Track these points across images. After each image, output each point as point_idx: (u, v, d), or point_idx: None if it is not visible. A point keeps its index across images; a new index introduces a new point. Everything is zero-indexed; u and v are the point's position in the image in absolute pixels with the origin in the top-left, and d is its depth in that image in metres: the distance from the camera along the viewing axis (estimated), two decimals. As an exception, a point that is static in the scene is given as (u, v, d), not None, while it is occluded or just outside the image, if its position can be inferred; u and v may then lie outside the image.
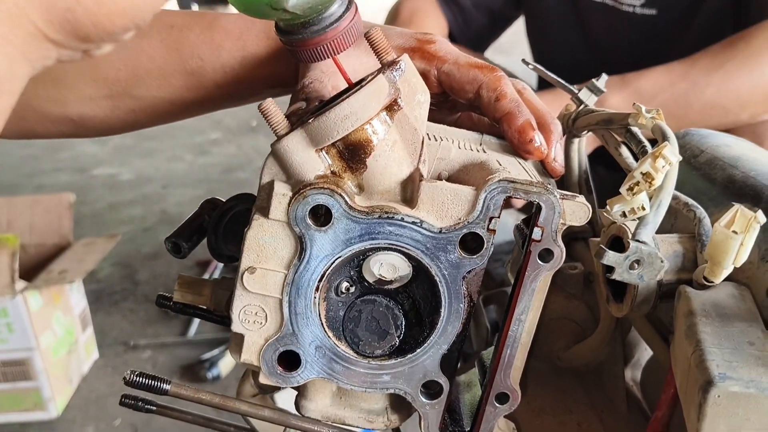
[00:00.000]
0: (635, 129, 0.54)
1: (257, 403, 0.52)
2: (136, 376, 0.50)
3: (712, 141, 0.62)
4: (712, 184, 0.57)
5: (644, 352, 0.67)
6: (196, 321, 2.24)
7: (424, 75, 0.57)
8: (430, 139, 0.51)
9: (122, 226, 2.91)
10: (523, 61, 0.66)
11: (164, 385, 0.50)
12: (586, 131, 0.61)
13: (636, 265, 0.44)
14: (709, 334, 0.42)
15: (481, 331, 0.73)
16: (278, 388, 0.56)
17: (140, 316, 2.28)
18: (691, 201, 0.52)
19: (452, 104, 0.59)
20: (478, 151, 0.52)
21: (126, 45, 0.65)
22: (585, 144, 0.64)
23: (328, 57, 0.47)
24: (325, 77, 0.56)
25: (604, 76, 0.62)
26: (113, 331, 2.20)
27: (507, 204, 1.11)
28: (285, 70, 0.64)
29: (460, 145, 0.52)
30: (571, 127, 0.62)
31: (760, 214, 0.41)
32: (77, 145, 4.18)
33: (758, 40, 1.10)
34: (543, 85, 1.65)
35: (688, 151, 0.62)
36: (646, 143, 0.53)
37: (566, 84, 0.62)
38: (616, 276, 0.44)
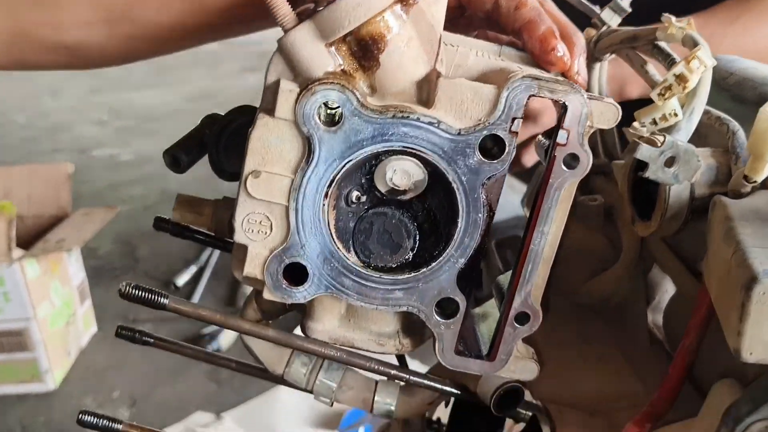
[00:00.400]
0: (662, 44, 0.51)
1: (259, 324, 0.49)
2: (132, 288, 0.47)
3: (740, 64, 0.59)
4: (743, 103, 0.54)
5: (665, 295, 0.64)
6: (197, 295, 2.21)
7: None
8: (446, 45, 0.48)
9: (123, 205, 2.88)
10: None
11: (162, 299, 0.47)
12: (609, 53, 0.58)
13: (671, 163, 0.41)
14: (749, 235, 0.39)
15: (494, 274, 0.70)
16: (282, 312, 0.53)
17: (140, 291, 2.26)
18: (723, 114, 0.49)
19: (468, 20, 0.56)
20: (497, 59, 0.49)
21: None
22: (606, 71, 0.61)
23: None
24: None
25: (625, -5, 0.59)
26: (113, 306, 2.17)
27: (516, 163, 1.08)
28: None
29: (478, 53, 0.49)
30: (593, 49, 0.59)
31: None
32: (76, 126, 4.16)
33: None
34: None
35: (717, 74, 0.58)
36: (675, 56, 0.50)
37: (588, 3, 0.59)
38: (649, 173, 0.41)
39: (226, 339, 1.92)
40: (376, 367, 0.50)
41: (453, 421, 0.68)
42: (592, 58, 0.60)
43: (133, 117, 4.29)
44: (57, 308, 1.85)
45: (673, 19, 0.49)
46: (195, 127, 0.55)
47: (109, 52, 0.67)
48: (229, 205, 0.52)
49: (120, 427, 0.50)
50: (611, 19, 0.58)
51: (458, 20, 0.56)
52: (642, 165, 0.42)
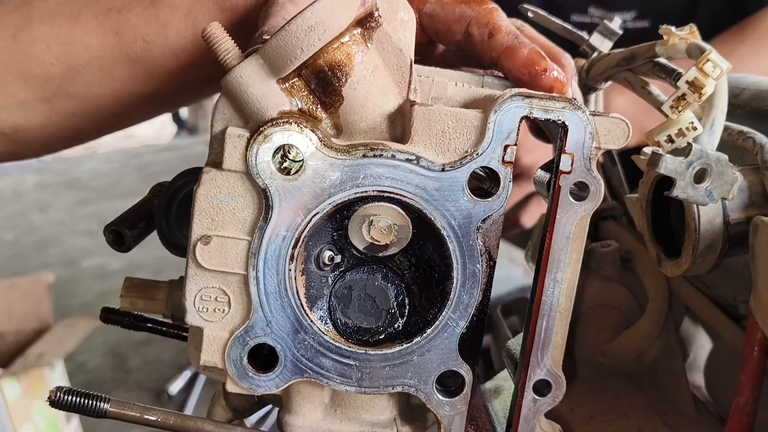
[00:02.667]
0: (663, 60, 0.45)
1: (226, 424, 0.41)
2: (63, 394, 0.39)
3: (750, 79, 0.53)
4: (763, 116, 0.47)
5: (701, 350, 0.57)
6: (191, 403, 2.09)
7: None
8: (420, 78, 0.42)
9: (112, 315, 2.79)
10: (521, 7, 0.57)
11: (101, 403, 0.39)
12: (604, 80, 0.51)
13: (701, 178, 0.34)
14: None
15: (502, 344, 0.61)
16: (256, 407, 0.44)
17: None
18: (745, 128, 0.42)
19: (441, 57, 0.50)
20: (478, 86, 0.43)
21: (59, 34, 0.56)
22: (602, 100, 0.55)
23: None
24: None
25: (617, 19, 0.53)
26: (104, 423, 2.04)
27: (513, 223, 1.01)
28: (247, 45, 0.55)
29: (458, 83, 0.42)
30: (586, 78, 0.53)
31: None
32: (65, 239, 4.13)
33: (767, 24, 1.04)
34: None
35: (729, 92, 0.52)
36: (680, 70, 0.43)
37: (575, 30, 0.53)
38: (677, 192, 0.34)
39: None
40: None
41: None
42: (586, 88, 0.54)
43: (122, 225, 4.28)
44: (41, 430, 1.73)
45: (674, 28, 0.44)
46: (142, 198, 0.48)
47: (50, 134, 0.60)
48: (180, 285, 0.45)
49: (107, 406, 0.40)
50: (602, 44, 0.53)
51: (430, 58, 0.50)
52: (666, 185, 0.35)
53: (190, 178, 0.45)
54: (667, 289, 0.48)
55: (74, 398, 0.39)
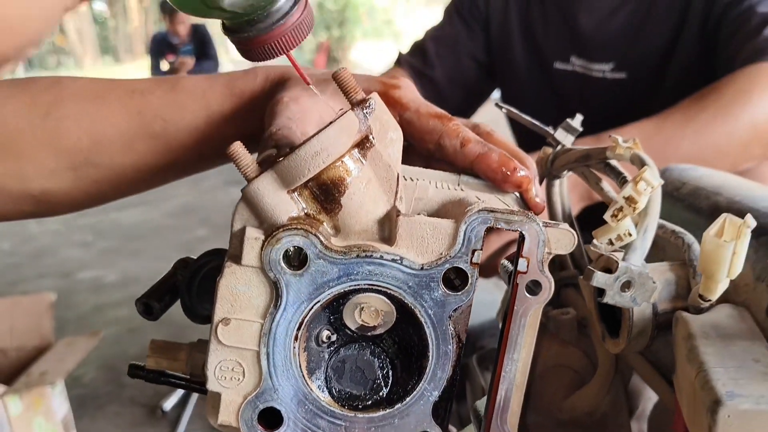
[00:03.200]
0: (613, 162, 0.54)
1: None
2: None
3: (692, 173, 0.61)
4: (698, 213, 0.56)
5: (648, 402, 0.64)
6: (184, 422, 2.15)
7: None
8: (406, 179, 0.50)
9: (108, 328, 2.84)
10: (497, 104, 0.66)
11: None
12: (566, 170, 0.60)
13: (627, 287, 0.42)
14: (711, 354, 0.39)
15: (476, 390, 0.69)
16: None
17: (127, 420, 2.19)
18: (678, 228, 0.51)
19: (425, 154, 0.58)
20: (456, 189, 0.51)
21: (87, 113, 0.64)
22: (566, 185, 0.63)
23: (280, 54, 0.47)
24: (293, 123, 0.55)
25: (579, 117, 0.61)
26: (99, 437, 2.11)
27: (492, 269, 1.09)
28: (253, 125, 0.63)
29: (437, 185, 0.50)
30: (551, 168, 0.61)
31: (749, 218, 0.39)
32: (61, 250, 4.16)
33: (729, 90, 1.12)
34: (515, 126, 1.66)
35: (670, 185, 0.61)
36: (626, 174, 0.52)
37: (542, 125, 0.62)
38: (607, 299, 0.42)
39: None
40: None
41: None
42: (551, 176, 0.62)
43: (117, 237, 4.30)
44: (40, 444, 1.79)
45: (620, 139, 0.52)
46: (167, 272, 0.56)
47: (75, 198, 0.68)
48: (202, 347, 0.52)
49: None
50: (565, 138, 0.61)
51: (412, 153, 0.58)
52: (601, 290, 0.43)
53: (211, 258, 0.52)
54: (614, 356, 0.56)
55: None
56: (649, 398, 0.64)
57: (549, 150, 0.63)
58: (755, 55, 1.17)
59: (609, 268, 0.47)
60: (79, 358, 1.77)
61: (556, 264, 0.66)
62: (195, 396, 2.25)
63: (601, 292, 0.43)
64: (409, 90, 0.58)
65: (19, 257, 4.10)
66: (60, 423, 1.89)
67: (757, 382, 0.37)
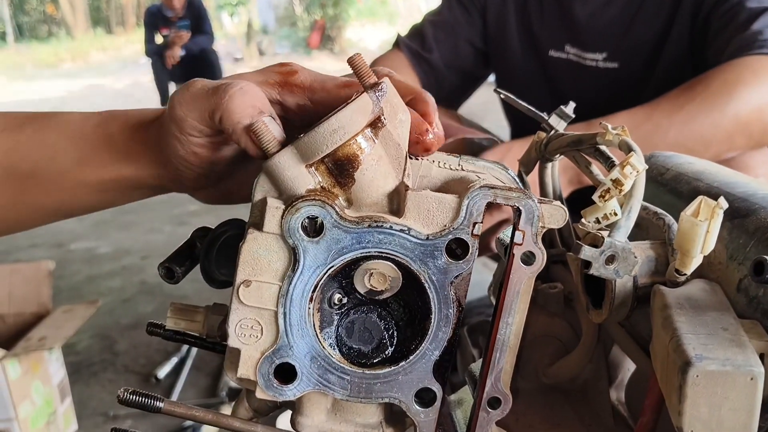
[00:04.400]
0: (603, 147, 0.58)
1: (249, 421, 0.53)
2: (130, 394, 0.50)
3: (675, 160, 0.65)
4: (679, 197, 0.60)
5: (627, 373, 0.69)
6: (178, 389, 2.20)
7: (300, 108, 0.57)
8: (411, 158, 0.54)
9: (101, 298, 2.88)
10: (495, 90, 0.70)
11: (157, 402, 0.51)
12: (558, 154, 0.64)
13: (611, 261, 0.47)
14: (684, 322, 0.44)
15: (467, 360, 0.74)
16: (272, 410, 0.56)
17: (120, 386, 2.22)
18: (660, 210, 0.55)
19: None
20: (457, 169, 0.55)
21: None
22: (558, 168, 0.68)
23: None
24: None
25: (572, 104, 0.66)
26: (92, 402, 2.15)
27: (485, 246, 1.14)
28: (129, 168, 0.61)
29: (440, 164, 0.55)
30: (544, 151, 0.65)
31: (722, 200, 0.44)
32: (54, 221, 4.17)
33: (716, 82, 1.17)
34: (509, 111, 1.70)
35: (655, 171, 0.65)
36: (614, 158, 0.56)
37: (537, 111, 0.66)
38: (593, 271, 0.47)
39: (208, 431, 1.92)
40: None
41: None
42: (544, 159, 0.66)
43: (110, 209, 4.33)
44: (38, 407, 1.83)
45: (609, 126, 0.56)
46: (186, 240, 0.59)
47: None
48: (218, 310, 0.57)
49: (162, 405, 0.52)
50: (558, 124, 0.65)
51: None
52: (588, 262, 0.48)
53: (228, 227, 0.57)
54: (596, 327, 0.61)
55: (138, 398, 0.51)
56: (628, 369, 0.69)
57: (543, 134, 0.67)
58: (742, 48, 1.22)
59: (595, 244, 0.52)
60: (78, 325, 1.81)
61: (546, 242, 0.70)
62: (188, 365, 2.30)
63: (587, 264, 0.47)
64: (306, 72, 0.58)
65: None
66: (56, 387, 1.94)
67: (724, 348, 0.42)
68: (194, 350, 2.36)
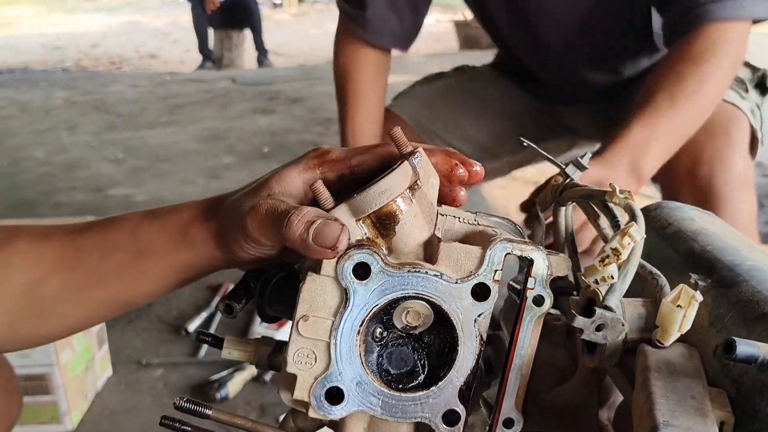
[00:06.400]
0: (610, 204, 0.66)
1: (281, 429, 0.63)
2: (184, 402, 0.60)
3: (679, 215, 0.74)
4: (677, 254, 0.69)
5: (618, 395, 0.78)
6: (205, 345, 2.33)
7: (340, 178, 0.65)
8: (439, 216, 0.64)
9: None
10: (520, 138, 0.79)
11: (206, 410, 0.60)
12: (571, 202, 0.73)
13: (601, 329, 0.56)
14: (658, 387, 0.52)
15: (477, 379, 0.83)
16: (316, 429, 0.66)
17: (153, 336, 2.39)
18: (655, 270, 0.64)
19: None
20: (474, 224, 0.64)
21: (33, 248, 0.70)
22: (570, 213, 0.76)
23: None
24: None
25: (588, 154, 0.74)
26: (126, 350, 2.30)
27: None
28: (187, 257, 0.68)
29: (461, 220, 0.64)
30: (558, 197, 0.74)
31: (698, 294, 0.53)
32: (92, 164, 4.30)
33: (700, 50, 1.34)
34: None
35: (658, 223, 0.74)
36: (620, 218, 0.64)
37: (555, 160, 0.75)
38: (584, 336, 0.56)
39: (233, 386, 2.06)
40: None
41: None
42: (558, 204, 0.75)
43: (147, 156, 4.43)
44: (78, 354, 1.98)
45: (618, 189, 0.64)
46: (240, 279, 0.67)
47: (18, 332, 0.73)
48: (266, 342, 0.66)
49: (210, 412, 0.61)
50: (574, 173, 0.73)
51: None
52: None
53: (279, 270, 0.64)
54: (592, 370, 0.70)
55: (190, 405, 0.60)
56: (618, 392, 0.78)
57: (560, 179, 0.76)
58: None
59: (593, 299, 0.61)
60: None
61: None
62: (217, 320, 2.44)
63: (581, 330, 0.57)
64: (336, 148, 0.67)
65: (52, 167, 4.24)
66: (95, 335, 2.08)
67: (688, 416, 0.49)
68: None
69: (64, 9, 13.75)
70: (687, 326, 0.54)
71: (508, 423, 0.61)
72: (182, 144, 4.65)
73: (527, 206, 1.21)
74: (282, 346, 0.64)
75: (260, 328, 2.29)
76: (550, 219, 0.80)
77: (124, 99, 6.06)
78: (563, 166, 0.75)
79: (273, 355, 0.67)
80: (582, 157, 0.75)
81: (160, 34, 10.54)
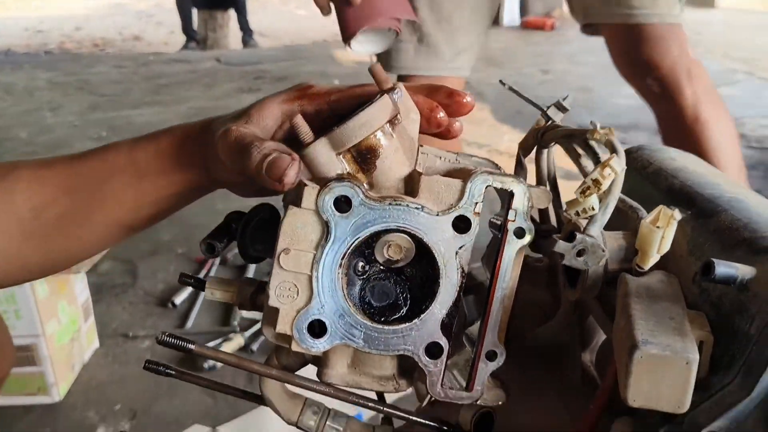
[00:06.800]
0: (591, 143, 0.66)
1: (266, 365, 0.63)
2: (166, 337, 0.60)
3: (660, 155, 0.74)
4: (657, 191, 0.69)
5: (601, 337, 0.79)
6: (194, 313, 2.34)
7: (318, 113, 0.66)
8: (420, 153, 0.64)
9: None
10: (501, 81, 0.79)
11: (189, 344, 0.61)
12: (553, 143, 0.73)
13: (581, 254, 0.56)
14: (638, 310, 0.53)
15: (461, 318, 0.84)
16: (299, 367, 0.66)
17: (140, 309, 2.39)
18: (635, 204, 0.64)
19: None
20: (456, 162, 0.64)
21: (36, 176, 0.72)
22: (552, 155, 0.76)
23: None
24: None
25: (570, 97, 0.74)
26: (113, 323, 2.30)
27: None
28: (182, 176, 0.70)
29: (442, 158, 0.64)
30: (540, 139, 0.74)
31: (676, 212, 0.53)
32: (76, 143, 4.27)
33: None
34: None
35: (639, 163, 0.74)
36: (600, 154, 0.65)
37: (537, 104, 0.75)
38: (565, 261, 0.56)
39: (222, 356, 2.06)
40: (382, 408, 0.65)
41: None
42: (540, 146, 0.75)
43: (131, 135, 4.39)
44: (63, 325, 1.98)
45: (599, 125, 0.64)
46: (222, 221, 0.68)
47: (27, 259, 0.75)
48: (249, 283, 0.66)
49: (193, 347, 0.62)
50: (555, 115, 0.73)
51: None
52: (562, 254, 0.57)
53: (260, 211, 0.65)
54: (574, 305, 0.71)
55: (172, 339, 0.60)
56: (602, 334, 0.79)
57: (542, 122, 0.76)
58: None
59: (574, 231, 0.61)
60: (103, 252, 1.93)
61: (538, 218, 0.80)
62: (203, 294, 2.43)
63: (562, 255, 0.57)
64: (320, 85, 0.68)
65: (35, 147, 4.21)
66: (81, 307, 2.08)
67: (667, 335, 0.50)
68: (210, 280, 2.50)
69: (45, -8, 13.59)
70: (666, 247, 0.54)
71: (491, 355, 0.61)
72: (167, 123, 4.47)
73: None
74: (264, 287, 0.63)
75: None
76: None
77: (108, 79, 6.01)
78: (544, 109, 0.75)
79: (255, 295, 0.67)
80: (564, 98, 0.75)
81: (143, 16, 10.44)
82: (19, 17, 10.14)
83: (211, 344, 2.07)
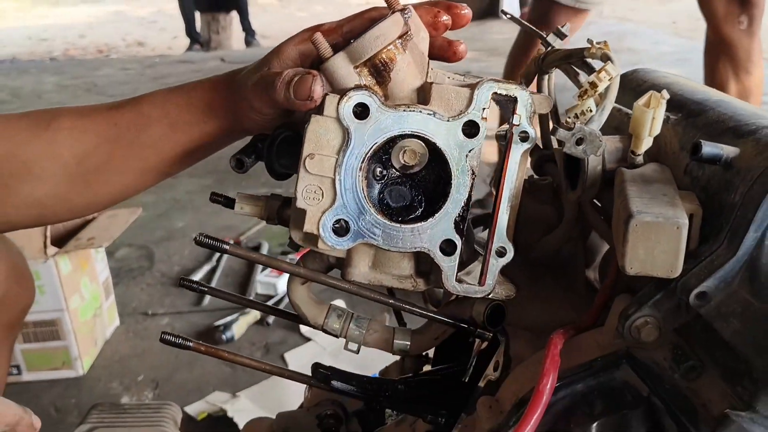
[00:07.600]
0: (589, 60, 0.72)
1: (296, 265, 0.69)
2: (203, 237, 0.66)
3: (653, 75, 0.79)
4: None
5: (601, 256, 0.84)
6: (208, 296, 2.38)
7: (334, 47, 0.66)
8: (431, 69, 0.69)
9: (136, 213, 3.07)
10: (502, 11, 0.84)
11: (224, 245, 0.66)
12: (553, 68, 0.79)
13: (581, 142, 0.61)
14: (634, 190, 0.58)
15: (471, 245, 0.90)
16: (327, 271, 0.72)
17: (158, 290, 2.44)
18: (630, 111, 0.69)
19: None
20: (463, 80, 0.69)
21: (76, 125, 0.77)
22: (553, 80, 0.82)
23: None
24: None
25: (568, 24, 0.80)
26: (133, 303, 2.36)
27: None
28: (212, 126, 0.75)
29: (450, 77, 0.69)
30: (542, 65, 0.79)
31: (664, 92, 0.58)
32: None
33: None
34: None
35: (634, 83, 0.79)
36: (596, 69, 0.70)
37: (537, 30, 0.80)
38: (565, 149, 0.61)
39: (238, 328, 2.12)
40: (402, 304, 0.70)
41: (437, 352, 0.89)
42: (542, 72, 0.81)
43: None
44: (86, 301, 2.03)
45: (594, 41, 0.70)
46: (249, 141, 0.73)
47: (72, 202, 0.81)
48: (276, 198, 0.71)
49: (227, 247, 0.67)
50: (555, 41, 0.79)
51: None
52: (562, 142, 0.62)
53: (284, 129, 0.70)
54: (576, 209, 0.76)
55: (209, 240, 0.66)
56: (602, 253, 0.84)
57: (542, 49, 0.81)
58: None
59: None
60: (123, 228, 1.99)
61: (541, 144, 0.85)
62: (218, 273, 2.49)
63: (562, 143, 0.62)
64: (329, 22, 0.72)
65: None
66: (102, 285, 2.14)
67: (660, 206, 0.54)
68: (224, 259, 2.56)
69: (48, 2, 13.68)
70: (657, 129, 0.59)
71: (501, 252, 0.66)
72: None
73: None
74: (290, 202, 0.68)
75: (261, 276, 2.35)
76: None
77: (115, 81, 6.06)
78: (544, 35, 0.81)
79: (282, 209, 0.73)
80: (563, 26, 0.80)
81: (146, 23, 10.51)
82: (22, 26, 10.21)
83: (228, 318, 2.15)
